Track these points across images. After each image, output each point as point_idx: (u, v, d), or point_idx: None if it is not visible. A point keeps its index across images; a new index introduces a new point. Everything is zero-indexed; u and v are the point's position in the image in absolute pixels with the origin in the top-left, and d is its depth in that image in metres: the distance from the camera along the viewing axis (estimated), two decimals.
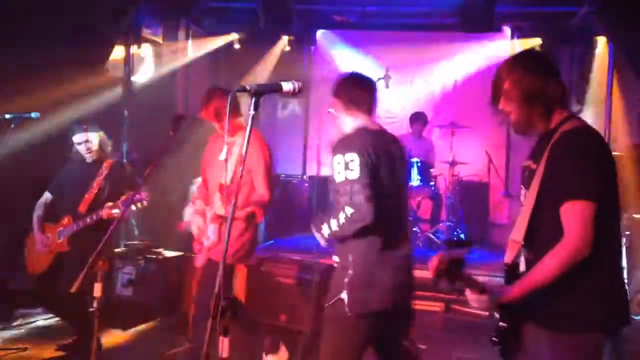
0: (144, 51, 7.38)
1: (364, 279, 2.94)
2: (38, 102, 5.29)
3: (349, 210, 2.83)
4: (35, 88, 5.33)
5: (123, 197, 4.38)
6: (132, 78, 7.19)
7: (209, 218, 4.08)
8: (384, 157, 2.99)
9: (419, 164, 7.65)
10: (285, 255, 5.87)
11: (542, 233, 2.34)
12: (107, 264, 3.10)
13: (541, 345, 2.35)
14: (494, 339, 2.43)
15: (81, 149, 4.75)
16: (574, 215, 2.22)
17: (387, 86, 8.18)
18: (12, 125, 4.73)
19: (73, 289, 3.10)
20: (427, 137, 8.59)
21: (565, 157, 2.28)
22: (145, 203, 4.42)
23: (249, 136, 2.29)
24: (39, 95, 5.31)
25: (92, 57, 6.23)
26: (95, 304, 3.09)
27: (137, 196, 4.23)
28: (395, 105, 9.29)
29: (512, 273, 2.42)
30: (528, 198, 2.38)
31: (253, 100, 2.25)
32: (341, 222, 2.86)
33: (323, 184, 8.43)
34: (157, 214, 6.80)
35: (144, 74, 7.40)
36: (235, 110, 4.09)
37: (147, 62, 7.45)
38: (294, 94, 2.38)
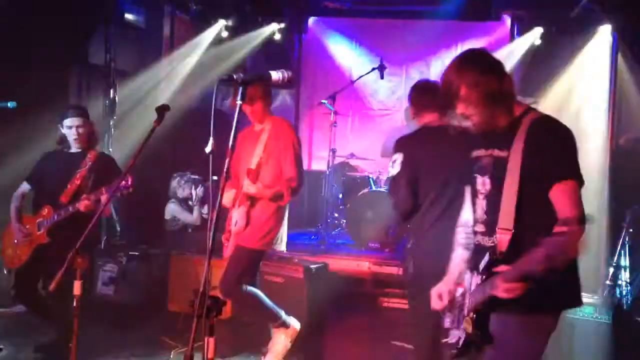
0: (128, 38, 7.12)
1: None
2: (14, 92, 5.07)
3: None
4: (10, 76, 5.08)
5: (105, 187, 4.14)
6: (114, 66, 6.88)
7: (236, 202, 4.13)
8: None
9: None
10: (276, 253, 5.67)
11: (530, 217, 2.42)
12: (87, 261, 2.98)
13: (509, 331, 2.46)
14: (454, 351, 2.59)
15: (70, 134, 4.54)
16: (571, 194, 2.36)
17: (382, 77, 7.90)
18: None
19: (51, 287, 2.92)
20: None
21: (551, 142, 2.41)
22: (130, 190, 4.19)
23: (236, 127, 2.25)
24: (13, 84, 5.02)
25: (71, 43, 5.95)
26: (74, 303, 2.96)
27: (123, 183, 4.01)
28: (389, 96, 9.05)
29: (507, 260, 2.42)
30: (508, 185, 2.44)
31: (240, 90, 2.22)
32: None
33: (315, 178, 8.18)
34: (139, 209, 6.65)
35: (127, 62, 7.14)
36: (267, 97, 4.18)
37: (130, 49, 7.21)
38: (283, 83, 2.31)
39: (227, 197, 4.18)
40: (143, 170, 4.14)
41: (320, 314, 4.98)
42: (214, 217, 2.16)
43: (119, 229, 6.76)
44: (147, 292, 5.67)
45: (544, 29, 7.40)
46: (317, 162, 9.00)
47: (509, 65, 7.86)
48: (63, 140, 4.60)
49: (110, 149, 6.58)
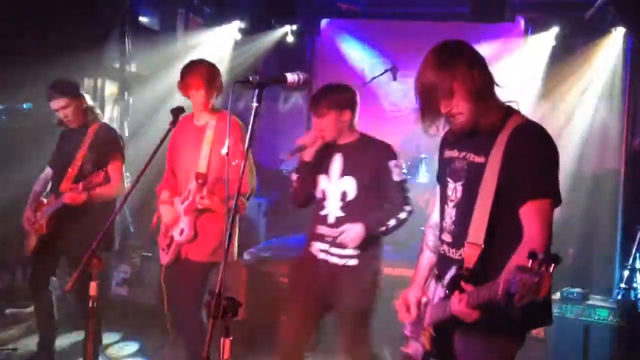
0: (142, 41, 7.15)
1: None
2: (30, 94, 5.11)
3: None
4: (25, 79, 5.11)
5: (82, 182, 3.92)
6: (129, 69, 6.93)
7: (181, 209, 3.73)
8: None
9: (427, 160, 7.39)
10: (288, 253, 5.71)
11: (502, 233, 2.20)
12: (102, 262, 2.91)
13: (470, 352, 2.29)
14: None
15: (60, 115, 4.25)
16: (543, 215, 2.14)
17: (394, 78, 7.89)
18: (3, 117, 4.51)
19: (67, 288, 2.91)
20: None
21: (531, 154, 2.18)
22: (114, 186, 4.12)
23: (252, 129, 2.19)
24: (29, 87, 5.09)
25: (86, 45, 5.98)
26: (90, 303, 2.91)
27: (95, 179, 3.78)
28: (402, 98, 9.02)
29: (474, 277, 2.18)
30: (482, 196, 2.21)
31: (256, 92, 2.19)
32: None
33: None
34: (154, 210, 6.64)
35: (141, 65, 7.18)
36: (211, 86, 3.81)
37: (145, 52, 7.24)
38: (298, 85, 2.27)
39: (167, 214, 3.82)
40: (159, 172, 4.06)
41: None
42: (230, 220, 2.16)
43: (132, 230, 6.78)
44: (160, 293, 5.66)
45: (559, 30, 7.35)
46: None
47: (522, 66, 7.88)
48: (61, 122, 4.34)
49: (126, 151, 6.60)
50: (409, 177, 7.29)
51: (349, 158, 3.49)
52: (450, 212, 2.39)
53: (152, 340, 5.06)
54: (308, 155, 3.45)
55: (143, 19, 7.16)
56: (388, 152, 3.51)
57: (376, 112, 9.16)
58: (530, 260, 1.79)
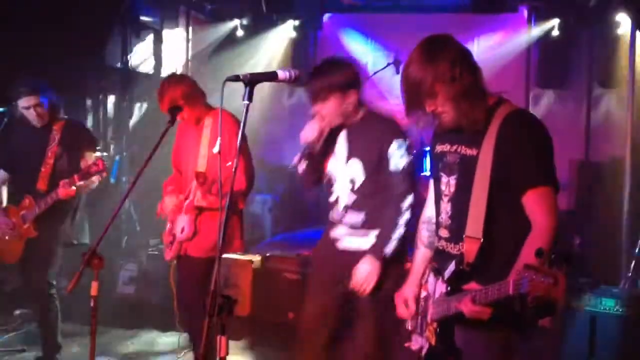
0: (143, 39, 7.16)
1: None
2: None
3: None
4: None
5: (77, 174, 3.94)
6: (131, 67, 6.94)
7: (183, 208, 3.80)
8: None
9: None
10: (295, 250, 5.70)
11: (500, 225, 2.20)
12: (103, 261, 2.90)
13: (474, 346, 2.27)
14: None
15: (29, 114, 4.14)
16: (547, 201, 2.14)
17: (397, 72, 7.84)
18: (5, 119, 4.51)
19: (68, 289, 2.86)
20: None
21: (525, 143, 2.16)
22: (104, 174, 4.03)
23: (244, 126, 2.19)
24: None
25: (86, 45, 5.99)
26: (92, 303, 2.92)
27: (94, 167, 3.82)
28: None
29: (475, 272, 2.21)
30: (477, 188, 2.20)
31: (247, 89, 2.17)
32: None
33: None
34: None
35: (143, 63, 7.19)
36: (200, 94, 3.81)
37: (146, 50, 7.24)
38: (290, 82, 2.25)
39: (169, 203, 3.85)
40: (164, 170, 4.09)
41: None
42: (224, 218, 2.14)
43: (138, 228, 6.80)
44: (167, 291, 5.67)
45: (562, 20, 7.28)
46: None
47: (525, 57, 7.83)
48: (24, 120, 4.23)
49: (125, 152, 6.62)
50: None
51: (354, 138, 3.25)
52: (446, 207, 2.38)
53: (160, 339, 5.06)
54: (317, 149, 3.27)
55: (144, 17, 7.15)
56: (392, 129, 3.19)
57: (380, 106, 9.11)
58: (537, 259, 1.79)
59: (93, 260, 2.88)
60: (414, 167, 3.22)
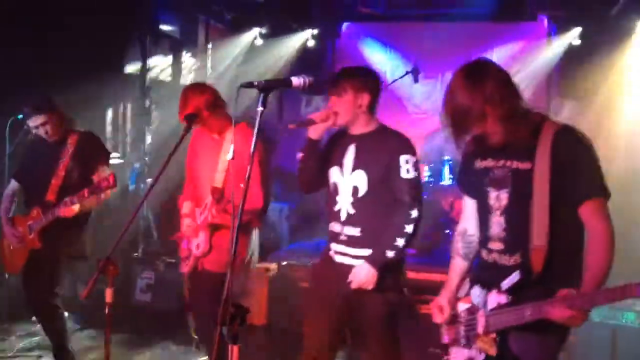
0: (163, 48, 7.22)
1: None
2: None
3: None
4: (45, 87, 5.12)
5: (87, 189, 3.85)
6: (150, 76, 7.00)
7: (199, 222, 3.76)
8: None
9: (451, 162, 7.31)
10: (311, 258, 5.67)
11: (562, 234, 2.31)
12: (118, 268, 2.89)
13: (530, 349, 2.35)
14: None
15: (39, 132, 4.17)
16: (602, 211, 2.28)
17: (416, 80, 7.80)
18: (26, 127, 4.55)
19: (83, 295, 2.89)
20: None
21: (579, 157, 2.29)
22: (115, 189, 3.94)
23: (257, 135, 2.22)
24: (49, 95, 5.11)
25: (106, 53, 6.04)
26: (106, 310, 2.92)
27: (104, 183, 3.74)
28: (424, 100, 8.95)
29: (542, 281, 2.30)
30: (537, 200, 2.29)
31: (261, 96, 2.19)
32: None
33: None
34: (177, 216, 6.67)
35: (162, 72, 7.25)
36: (223, 103, 3.75)
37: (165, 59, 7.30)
38: (304, 89, 2.26)
39: (187, 228, 3.81)
40: (181, 178, 4.06)
41: None
42: (236, 226, 2.14)
43: (156, 236, 6.82)
44: (185, 300, 5.69)
45: (583, 28, 7.21)
46: None
47: (547, 66, 7.76)
48: (39, 138, 4.25)
49: (146, 159, 6.65)
50: (431, 180, 7.29)
51: (363, 150, 3.25)
52: (499, 220, 2.44)
53: (176, 347, 5.07)
54: (315, 133, 3.22)
55: (163, 27, 7.21)
56: (402, 145, 3.22)
57: (399, 114, 9.08)
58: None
59: (108, 268, 2.87)
60: (421, 184, 3.27)
